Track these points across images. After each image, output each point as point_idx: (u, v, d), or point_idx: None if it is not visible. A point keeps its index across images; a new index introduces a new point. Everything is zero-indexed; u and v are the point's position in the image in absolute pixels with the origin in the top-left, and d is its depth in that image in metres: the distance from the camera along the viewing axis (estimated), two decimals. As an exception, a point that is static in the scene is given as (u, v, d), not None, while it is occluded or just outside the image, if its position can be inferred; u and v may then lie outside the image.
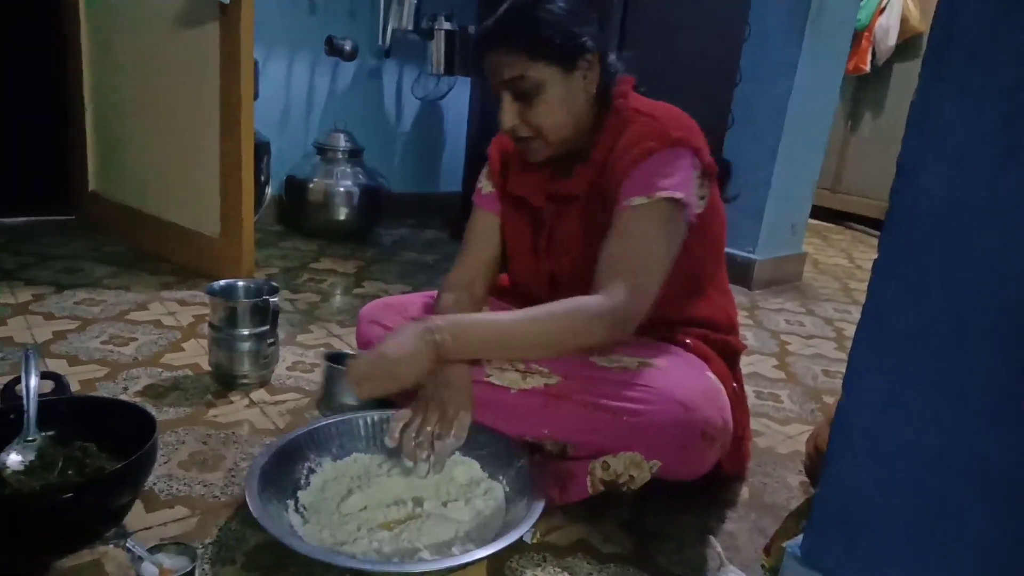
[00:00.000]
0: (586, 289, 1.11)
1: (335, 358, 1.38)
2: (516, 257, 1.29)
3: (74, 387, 1.34)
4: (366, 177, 2.74)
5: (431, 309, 1.27)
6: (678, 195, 1.06)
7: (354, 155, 2.74)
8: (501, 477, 1.07)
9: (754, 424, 1.49)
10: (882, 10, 3.79)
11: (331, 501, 1.03)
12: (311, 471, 1.07)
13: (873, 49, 3.85)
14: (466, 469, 1.09)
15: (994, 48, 0.60)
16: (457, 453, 1.12)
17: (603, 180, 1.13)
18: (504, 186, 1.28)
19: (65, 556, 0.91)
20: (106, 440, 1.04)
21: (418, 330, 1.04)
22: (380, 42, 2.93)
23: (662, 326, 1.18)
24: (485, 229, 1.30)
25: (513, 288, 1.34)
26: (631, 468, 1.05)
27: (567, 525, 1.08)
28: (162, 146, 2.15)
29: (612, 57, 1.17)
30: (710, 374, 1.11)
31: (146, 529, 0.99)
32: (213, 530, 1.00)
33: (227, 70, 1.89)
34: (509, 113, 1.10)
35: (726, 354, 1.22)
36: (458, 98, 3.10)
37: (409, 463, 1.04)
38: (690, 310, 1.21)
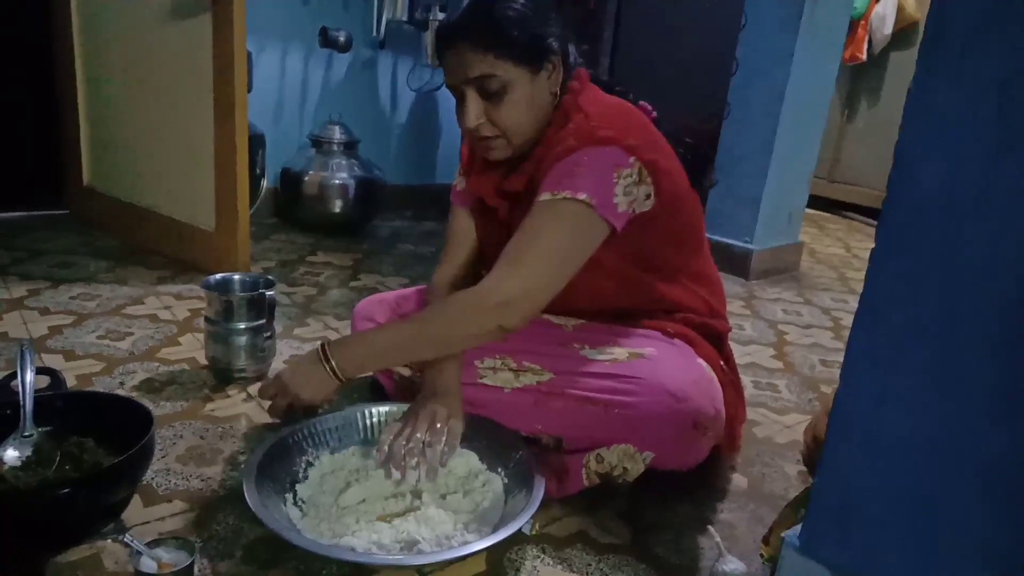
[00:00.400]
0: (587, 293, 1.14)
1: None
2: (486, 255, 1.30)
3: (70, 382, 1.34)
4: (362, 169, 2.73)
5: (425, 304, 1.27)
6: (580, 196, 1.03)
7: (349, 147, 2.73)
8: (500, 469, 1.07)
9: (752, 414, 1.50)
10: (878, -2, 3.78)
11: (329, 494, 1.03)
12: (309, 464, 1.08)
13: (869, 38, 3.84)
14: (464, 461, 1.09)
15: (988, 40, 0.60)
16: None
17: (539, 176, 1.12)
18: (470, 186, 1.28)
19: (63, 551, 0.91)
20: (103, 435, 1.03)
21: (313, 354, 1.10)
22: (374, 33, 2.91)
23: (628, 311, 1.20)
24: (463, 226, 1.30)
25: None
26: (625, 460, 1.05)
27: (565, 516, 1.08)
28: (156, 139, 2.14)
29: (572, 53, 1.16)
30: (700, 361, 1.12)
31: (144, 524, 0.99)
32: (211, 524, 1.00)
33: (220, 62, 1.87)
34: (474, 112, 1.08)
35: (709, 336, 1.23)
36: (453, 89, 3.09)
37: (397, 475, 1.02)
38: (657, 295, 1.21)
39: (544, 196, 1.06)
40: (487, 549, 0.89)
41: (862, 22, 3.78)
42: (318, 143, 2.70)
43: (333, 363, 1.08)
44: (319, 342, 1.11)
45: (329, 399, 1.16)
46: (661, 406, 1.03)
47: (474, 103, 1.08)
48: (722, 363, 1.20)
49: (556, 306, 1.23)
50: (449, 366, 1.12)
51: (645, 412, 1.03)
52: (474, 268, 1.30)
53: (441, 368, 1.12)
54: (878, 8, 3.78)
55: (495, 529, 0.92)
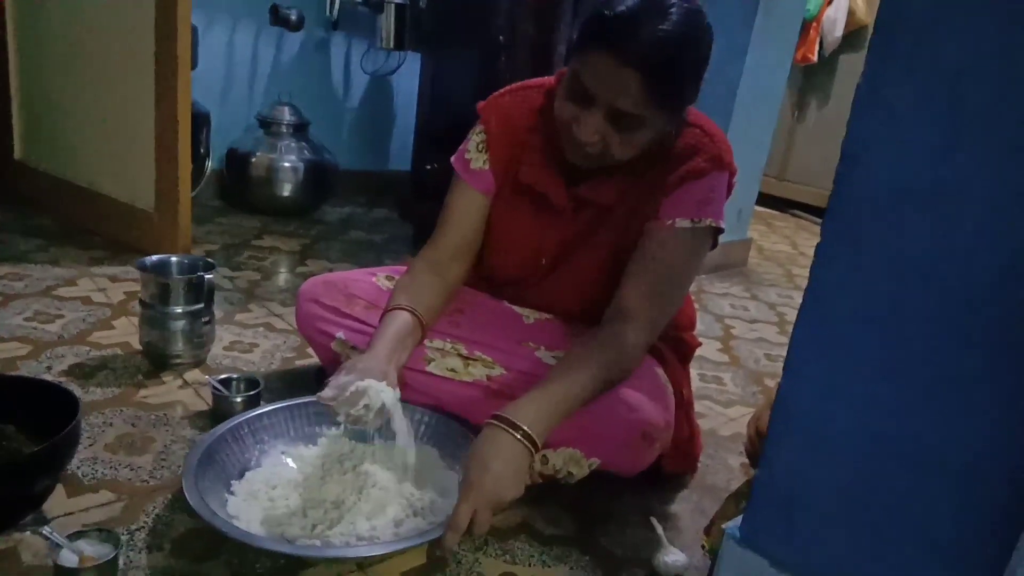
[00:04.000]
0: (591, 296, 1.11)
1: (225, 383, 1.24)
2: (508, 250, 1.19)
3: (-8, 366, 1.27)
4: (312, 152, 2.66)
5: (376, 289, 1.22)
6: (722, 224, 1.06)
7: (299, 129, 2.65)
8: (457, 467, 1.05)
9: (697, 406, 1.51)
10: (830, 1, 3.85)
11: (272, 484, 0.99)
12: (262, 452, 1.05)
13: (821, 40, 3.92)
14: (425, 457, 1.07)
15: (941, 32, 0.60)
16: (418, 441, 1.09)
17: (637, 190, 1.07)
18: (508, 169, 1.14)
19: (-24, 544, 0.86)
20: (25, 422, 0.98)
21: (493, 436, 0.90)
22: (328, 13, 2.84)
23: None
24: (468, 209, 1.16)
25: (488, 278, 1.25)
26: (570, 464, 1.03)
27: (509, 507, 1.07)
28: (93, 113, 2.04)
29: None
30: (658, 371, 1.10)
31: (67, 515, 0.94)
32: (141, 516, 0.95)
33: (162, 32, 1.79)
34: (596, 129, 0.97)
35: (680, 351, 1.21)
36: (408, 74, 3.03)
37: (349, 421, 0.91)
38: None
39: (683, 222, 1.04)
40: (426, 543, 0.87)
41: (814, 24, 3.85)
42: (266, 124, 2.62)
43: (526, 428, 0.89)
44: (488, 420, 0.92)
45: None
46: (612, 414, 1.00)
47: (599, 122, 0.96)
48: (683, 391, 1.16)
49: (533, 301, 1.22)
50: (380, 348, 1.01)
51: (595, 419, 1.00)
52: (469, 254, 1.18)
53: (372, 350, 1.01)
54: (829, 11, 3.85)
55: (441, 525, 0.90)
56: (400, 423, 0.95)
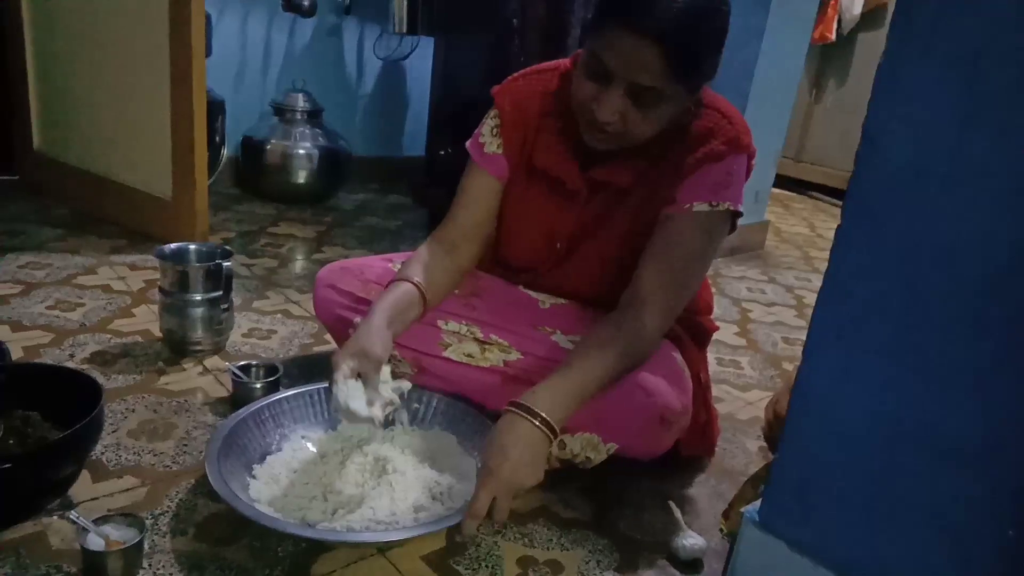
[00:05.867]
0: (606, 280, 1.11)
1: (244, 369, 1.25)
2: (522, 234, 1.18)
3: (17, 354, 1.29)
4: (326, 139, 2.66)
5: (392, 274, 1.23)
6: (740, 208, 1.05)
7: (313, 116, 2.66)
8: (476, 453, 1.05)
9: (715, 390, 1.50)
10: (848, -22, 3.78)
11: (292, 468, 1.01)
12: (283, 437, 1.06)
13: (839, 18, 3.85)
14: (444, 443, 1.08)
15: (959, 14, 0.59)
16: (436, 427, 1.10)
17: (654, 174, 1.06)
18: (522, 154, 1.14)
19: (6, 528, 0.88)
20: (50, 409, 1.00)
21: (511, 423, 0.90)
22: (340, -2, 2.83)
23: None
24: (481, 192, 1.15)
25: (503, 264, 1.24)
26: (588, 449, 1.04)
27: (528, 492, 1.07)
28: (110, 103, 2.05)
29: None
30: (675, 354, 1.09)
31: (92, 500, 0.96)
32: (164, 500, 0.97)
33: (176, 20, 1.80)
34: (616, 107, 0.95)
35: (698, 335, 1.21)
36: (421, 59, 3.02)
37: (361, 422, 0.92)
38: None
39: (700, 206, 1.02)
40: (444, 528, 0.88)
41: (832, 2, 3.78)
42: (281, 111, 2.62)
43: (544, 415, 0.89)
44: (507, 407, 0.91)
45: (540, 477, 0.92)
46: (630, 399, 1.00)
47: (619, 99, 0.95)
48: (701, 376, 1.15)
49: (548, 287, 1.21)
50: (378, 313, 1.00)
51: (613, 404, 0.99)
52: (480, 237, 1.17)
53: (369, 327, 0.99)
54: (848, -12, 3.79)
55: (460, 511, 0.91)
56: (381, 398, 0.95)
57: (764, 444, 1.31)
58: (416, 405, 1.13)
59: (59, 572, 0.83)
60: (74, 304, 1.56)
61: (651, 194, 1.07)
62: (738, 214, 1.06)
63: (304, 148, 2.60)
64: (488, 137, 1.15)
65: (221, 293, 1.37)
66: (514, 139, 1.13)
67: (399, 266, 1.25)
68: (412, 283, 1.07)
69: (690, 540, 0.97)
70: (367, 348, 0.94)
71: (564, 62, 1.14)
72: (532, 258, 1.20)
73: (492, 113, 1.16)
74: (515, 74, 1.17)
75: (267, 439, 1.05)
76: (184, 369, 1.34)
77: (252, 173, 2.67)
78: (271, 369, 1.26)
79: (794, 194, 4.22)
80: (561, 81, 1.12)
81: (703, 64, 0.96)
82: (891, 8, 3.25)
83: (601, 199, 1.11)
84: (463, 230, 1.16)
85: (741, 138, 1.05)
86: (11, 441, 0.94)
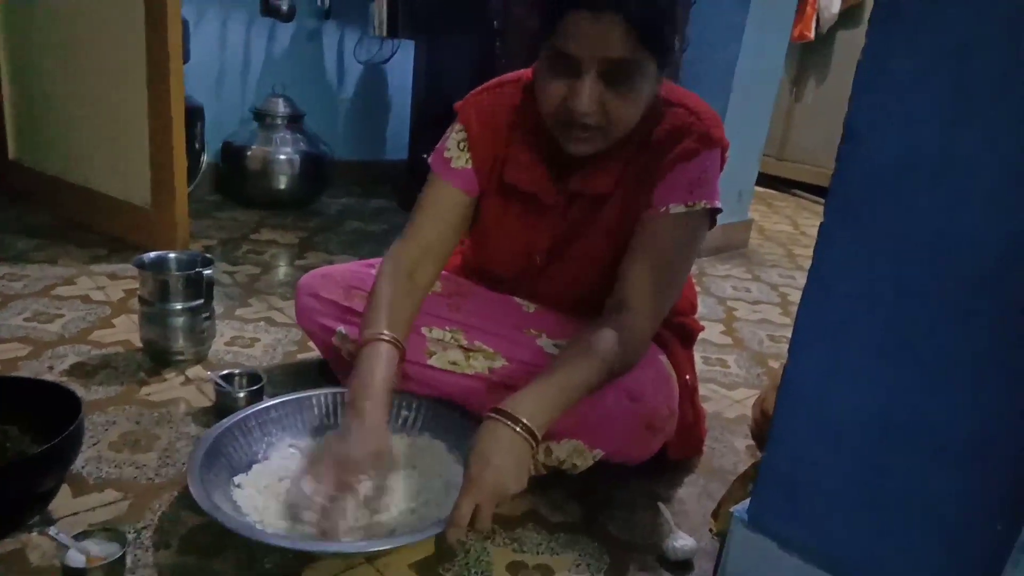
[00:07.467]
0: (588, 289, 1.09)
1: (227, 378, 1.23)
2: (500, 251, 1.17)
3: (-7, 367, 1.27)
4: (307, 144, 2.64)
5: (372, 279, 1.22)
6: (718, 204, 1.03)
7: (294, 121, 2.64)
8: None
9: (702, 389, 1.50)
10: (826, -23, 3.81)
11: (280, 477, 0.99)
12: (270, 446, 1.05)
13: (817, 16, 3.88)
14: (433, 450, 1.07)
15: (944, 7, 0.59)
16: (426, 435, 1.09)
17: (629, 178, 1.05)
18: (493, 169, 1.10)
19: (-17, 547, 0.86)
20: (28, 423, 0.98)
21: (493, 430, 0.88)
22: (319, 2, 2.81)
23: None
24: (447, 206, 1.10)
25: (480, 273, 1.23)
26: (574, 456, 1.03)
27: (516, 496, 1.07)
28: (86, 110, 2.03)
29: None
30: (662, 358, 1.09)
31: (73, 515, 0.94)
32: (147, 514, 0.95)
33: (152, 26, 1.78)
34: (594, 95, 0.93)
35: (683, 336, 1.21)
36: (402, 62, 3.01)
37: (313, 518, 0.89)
38: None
39: (677, 208, 1.01)
40: (433, 536, 0.87)
41: (810, 1, 3.81)
42: (261, 116, 2.60)
43: (525, 421, 0.87)
44: (488, 413, 0.89)
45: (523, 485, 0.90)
46: (615, 405, 0.99)
47: (595, 86, 0.93)
48: (687, 377, 1.14)
49: (530, 298, 1.19)
50: (378, 405, 0.95)
51: (598, 410, 0.98)
52: (443, 255, 1.13)
53: (366, 398, 0.94)
54: (826, -13, 3.82)
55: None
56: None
57: (752, 442, 1.31)
58: (405, 412, 1.12)
59: (39, 590, 0.81)
60: (53, 315, 1.53)
61: (627, 199, 1.06)
62: (716, 210, 1.05)
63: (285, 153, 2.58)
64: (455, 151, 1.11)
65: (202, 301, 1.36)
66: (484, 155, 1.10)
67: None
68: (386, 341, 0.99)
69: (680, 541, 0.97)
70: (384, 452, 0.92)
71: (525, 72, 1.11)
72: (512, 271, 1.18)
73: (457, 127, 1.12)
74: (478, 88, 1.14)
75: (254, 447, 1.04)
76: (166, 379, 1.32)
77: (233, 179, 2.65)
78: (254, 378, 1.24)
79: (777, 192, 4.24)
80: (525, 93, 1.09)
81: (666, 28, 0.94)
82: (868, 6, 3.27)
83: (578, 209, 1.09)
84: (426, 247, 1.10)
85: (712, 133, 1.03)
86: (-12, 456, 0.92)
